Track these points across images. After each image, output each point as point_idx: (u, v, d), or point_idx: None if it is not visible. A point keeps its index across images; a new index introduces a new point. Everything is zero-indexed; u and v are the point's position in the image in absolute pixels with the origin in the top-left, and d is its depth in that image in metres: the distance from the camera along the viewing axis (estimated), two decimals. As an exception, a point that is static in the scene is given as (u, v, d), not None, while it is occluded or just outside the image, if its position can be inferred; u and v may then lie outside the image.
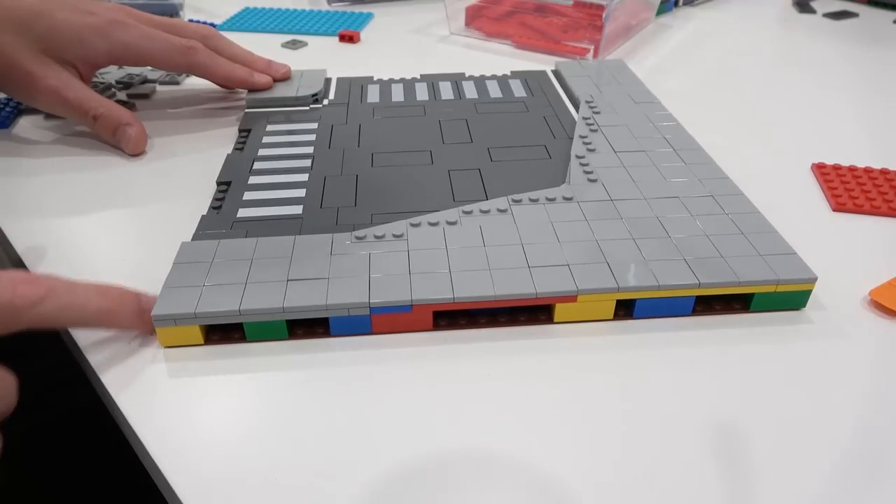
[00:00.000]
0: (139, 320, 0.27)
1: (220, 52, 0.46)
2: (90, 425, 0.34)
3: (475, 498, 0.22)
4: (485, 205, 0.33)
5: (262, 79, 0.46)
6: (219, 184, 0.36)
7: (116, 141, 0.41)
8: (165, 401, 0.25)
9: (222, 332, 0.28)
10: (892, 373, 0.27)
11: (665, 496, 0.22)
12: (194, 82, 0.53)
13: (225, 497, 0.22)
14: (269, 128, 0.42)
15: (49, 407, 0.43)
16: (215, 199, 0.35)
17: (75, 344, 0.28)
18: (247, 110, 0.45)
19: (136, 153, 0.41)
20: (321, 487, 0.22)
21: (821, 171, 0.40)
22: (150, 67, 0.48)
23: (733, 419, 0.25)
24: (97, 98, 0.42)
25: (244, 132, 0.42)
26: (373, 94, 0.47)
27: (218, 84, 0.47)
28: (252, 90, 0.46)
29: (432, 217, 0.32)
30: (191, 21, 0.65)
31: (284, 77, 0.48)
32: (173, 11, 0.64)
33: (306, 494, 0.22)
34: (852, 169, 0.40)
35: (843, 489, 0.22)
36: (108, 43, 0.41)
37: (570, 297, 0.28)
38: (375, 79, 0.50)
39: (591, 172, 0.36)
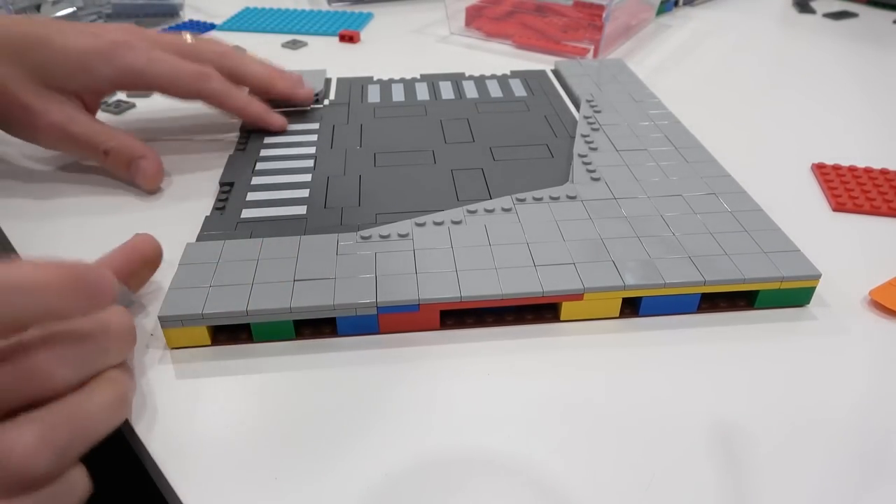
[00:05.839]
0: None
1: (236, 71, 0.41)
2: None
3: (481, 498, 0.22)
4: (489, 204, 0.33)
5: (277, 121, 0.42)
6: (222, 184, 0.36)
7: (131, 176, 0.38)
8: (171, 402, 0.25)
9: (229, 333, 0.28)
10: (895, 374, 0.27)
11: (669, 494, 0.22)
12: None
13: (227, 498, 0.22)
14: (271, 128, 0.42)
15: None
16: (218, 199, 0.35)
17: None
18: (248, 110, 0.45)
19: (153, 189, 0.38)
20: (326, 487, 0.22)
21: (821, 171, 0.40)
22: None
23: (738, 416, 0.25)
24: (106, 130, 0.38)
25: (245, 132, 0.42)
26: (373, 94, 0.47)
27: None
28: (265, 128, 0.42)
29: (437, 216, 0.32)
30: (190, 23, 0.65)
31: (307, 101, 0.45)
32: (173, 11, 0.64)
33: (310, 495, 0.22)
34: (852, 169, 0.40)
35: (843, 486, 0.22)
36: (111, 68, 0.37)
37: (577, 296, 0.28)
38: (375, 79, 0.50)
39: (593, 171, 0.36)
